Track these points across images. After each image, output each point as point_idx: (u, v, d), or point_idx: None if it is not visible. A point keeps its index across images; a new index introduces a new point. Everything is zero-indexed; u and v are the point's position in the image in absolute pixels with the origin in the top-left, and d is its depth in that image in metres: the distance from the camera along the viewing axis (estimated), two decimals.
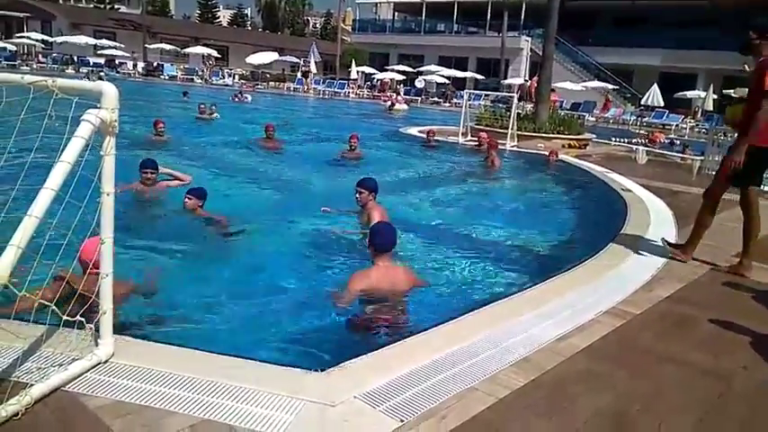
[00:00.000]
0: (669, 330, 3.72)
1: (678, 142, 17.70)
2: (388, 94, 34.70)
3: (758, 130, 4.62)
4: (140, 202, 6.45)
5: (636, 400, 2.81)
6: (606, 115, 30.52)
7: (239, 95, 25.31)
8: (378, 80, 40.85)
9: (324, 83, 38.90)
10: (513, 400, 2.71)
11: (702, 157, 12.41)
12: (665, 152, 16.05)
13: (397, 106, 27.68)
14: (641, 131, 19.31)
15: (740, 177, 4.94)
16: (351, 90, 37.93)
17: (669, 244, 5.47)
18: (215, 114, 15.97)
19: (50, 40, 40.31)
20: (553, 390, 2.85)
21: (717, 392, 2.97)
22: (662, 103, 28.78)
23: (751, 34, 4.71)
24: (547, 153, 12.35)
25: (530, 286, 4.39)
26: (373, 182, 6.02)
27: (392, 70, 40.64)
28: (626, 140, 17.90)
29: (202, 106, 15.85)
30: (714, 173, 10.41)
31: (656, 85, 29.70)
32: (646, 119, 28.18)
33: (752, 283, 4.72)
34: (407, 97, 34.22)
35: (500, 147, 13.81)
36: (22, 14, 44.58)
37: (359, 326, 3.76)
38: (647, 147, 16.83)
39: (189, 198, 5.91)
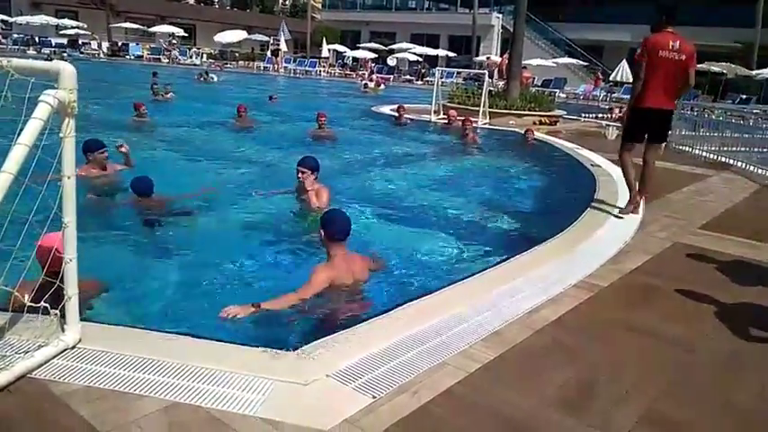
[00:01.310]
0: (636, 302, 3.80)
1: None
2: (367, 72, 34.35)
3: (635, 95, 5.67)
4: (97, 188, 6.08)
5: (603, 370, 2.87)
6: (577, 91, 30.73)
7: (204, 75, 24.84)
8: (350, 58, 40.48)
9: (295, 61, 38.42)
10: (484, 374, 2.75)
11: (669, 132, 12.59)
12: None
13: (372, 85, 27.44)
14: (611, 107, 19.52)
15: (631, 133, 6.01)
16: (322, 69, 37.54)
17: (621, 210, 5.95)
18: (170, 94, 15.64)
19: (10, 20, 38.88)
20: (523, 362, 2.90)
21: (682, 361, 3.05)
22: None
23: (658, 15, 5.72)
24: (522, 131, 12.40)
25: (501, 262, 4.44)
26: (315, 160, 5.80)
27: (364, 48, 40.30)
28: (594, 116, 18.05)
29: (156, 87, 15.50)
30: (681, 147, 10.65)
31: (625, 60, 29.96)
32: (615, 94, 28.45)
33: (715, 254, 4.84)
34: (383, 76, 33.85)
35: (473, 125, 13.91)
36: None
37: (327, 316, 3.65)
38: (613, 123, 17.01)
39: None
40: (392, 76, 35.71)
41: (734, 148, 10.17)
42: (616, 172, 8.25)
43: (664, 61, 5.49)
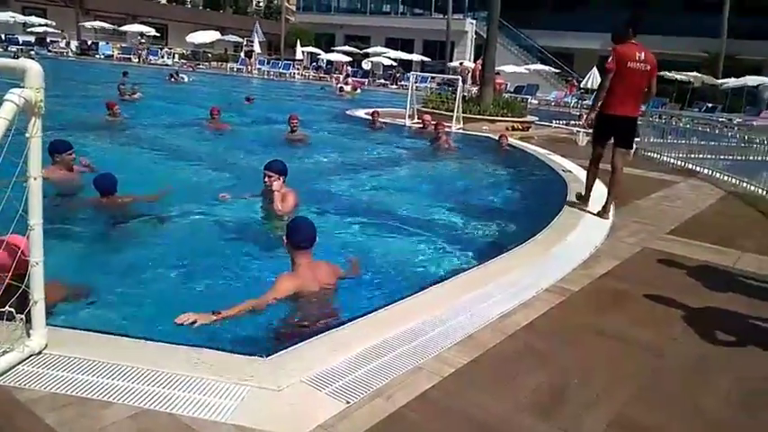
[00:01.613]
0: (606, 306, 3.86)
1: None
2: (343, 75, 34.26)
3: (602, 102, 5.99)
4: (63, 190, 5.89)
5: (574, 374, 2.90)
6: (549, 98, 31.14)
7: (175, 75, 24.52)
8: (324, 61, 40.37)
9: (268, 63, 38.18)
10: (458, 378, 2.76)
11: (638, 139, 12.84)
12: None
13: (348, 88, 27.33)
14: (581, 114, 19.81)
15: (598, 137, 6.40)
16: (296, 71, 37.37)
17: (577, 197, 6.60)
18: (137, 94, 15.43)
19: None
20: (496, 366, 2.91)
21: (652, 366, 3.10)
22: None
23: (624, 27, 6.16)
24: (496, 137, 12.50)
25: (473, 267, 4.47)
26: (282, 164, 5.74)
27: (339, 51, 40.26)
28: (566, 123, 18.28)
29: (122, 87, 15.25)
30: (649, 154, 10.89)
31: (595, 68, 30.45)
32: (586, 101, 28.87)
33: (683, 259, 4.94)
34: (358, 80, 33.80)
35: (446, 129, 13.97)
36: None
37: (300, 321, 3.57)
38: (584, 129, 17.25)
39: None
40: (367, 80, 35.74)
41: (700, 156, 10.42)
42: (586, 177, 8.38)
43: (631, 71, 5.85)
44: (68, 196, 5.85)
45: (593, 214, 6.17)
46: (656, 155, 11.38)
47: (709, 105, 26.43)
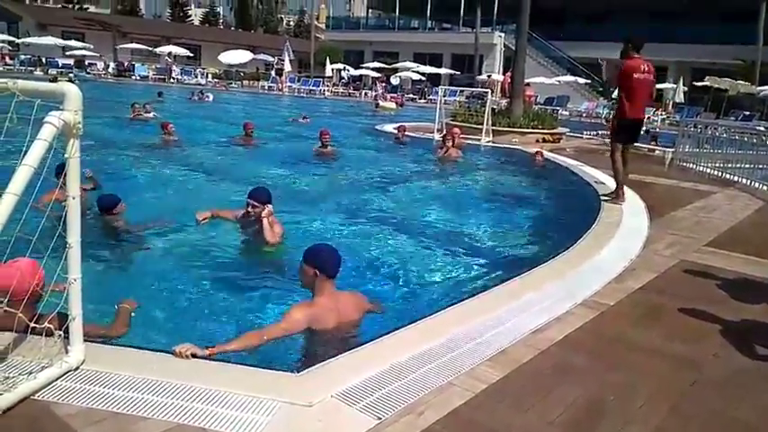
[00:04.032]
0: (642, 321, 3.77)
1: (647, 133, 17.81)
2: (380, 91, 34.39)
3: (624, 108, 7.15)
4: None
5: (610, 390, 2.84)
6: (580, 109, 30.83)
7: (200, 95, 24.94)
8: (350, 77, 40.71)
9: (298, 81, 38.69)
10: (491, 394, 2.72)
11: (673, 149, 12.60)
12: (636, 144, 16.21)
13: (384, 104, 27.13)
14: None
15: (619, 138, 7.48)
16: (326, 88, 37.78)
17: (605, 196, 7.48)
18: (151, 114, 15.37)
19: (17, 41, 39.39)
20: (529, 382, 2.87)
21: (689, 381, 3.01)
22: None
23: (625, 45, 7.17)
24: (529, 151, 12.37)
25: (505, 280, 4.41)
26: (267, 192, 5.36)
27: (367, 68, 40.61)
28: (597, 133, 18.05)
29: (137, 106, 15.13)
30: (685, 164, 10.76)
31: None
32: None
33: (719, 270, 4.81)
34: (395, 95, 33.68)
35: (475, 142, 13.93)
36: None
37: (331, 337, 3.43)
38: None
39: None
40: (396, 95, 35.92)
41: (737, 165, 10.16)
42: None
43: (638, 82, 6.98)
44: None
45: (611, 199, 7.27)
46: (691, 165, 11.14)
47: (746, 113, 25.82)
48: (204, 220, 5.74)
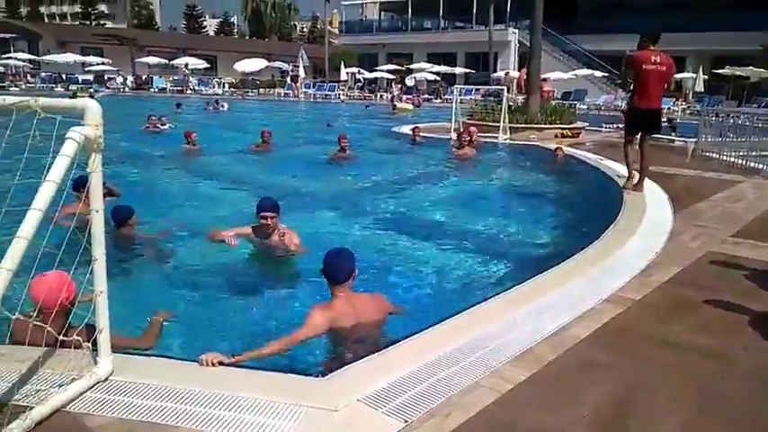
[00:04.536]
0: (668, 315, 3.71)
1: (665, 124, 17.48)
2: (396, 92, 34.41)
3: (634, 97, 7.40)
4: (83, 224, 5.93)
5: (639, 386, 2.80)
6: (598, 102, 30.49)
7: (215, 104, 25.16)
8: (364, 80, 40.78)
9: (314, 86, 38.89)
10: (517, 394, 2.70)
11: (695, 139, 12.40)
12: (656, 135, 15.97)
13: (401, 105, 27.07)
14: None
15: (629, 127, 7.84)
16: (341, 92, 37.91)
17: (623, 187, 7.59)
18: (166, 126, 15.55)
19: (38, 59, 40.20)
20: (556, 381, 2.84)
21: (719, 374, 2.96)
22: None
23: (640, 39, 7.42)
24: (547, 147, 12.27)
25: (529, 278, 4.37)
26: (275, 201, 5.32)
27: (382, 70, 40.64)
28: (616, 126, 17.80)
29: (153, 119, 15.23)
30: (708, 153, 10.58)
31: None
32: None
33: (746, 261, 4.72)
34: (411, 96, 33.67)
35: (492, 140, 13.87)
36: (8, 35, 44.49)
37: (355, 341, 3.44)
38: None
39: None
40: (413, 96, 35.90)
41: (763, 153, 9.96)
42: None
43: (647, 72, 7.14)
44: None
45: (632, 189, 7.39)
46: (714, 154, 10.94)
47: None
48: (219, 239, 5.45)
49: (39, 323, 2.59)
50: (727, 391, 2.82)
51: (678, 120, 19.16)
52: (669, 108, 26.35)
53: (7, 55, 39.58)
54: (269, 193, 8.20)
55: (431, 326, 3.41)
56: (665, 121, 18.49)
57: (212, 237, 5.47)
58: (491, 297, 3.95)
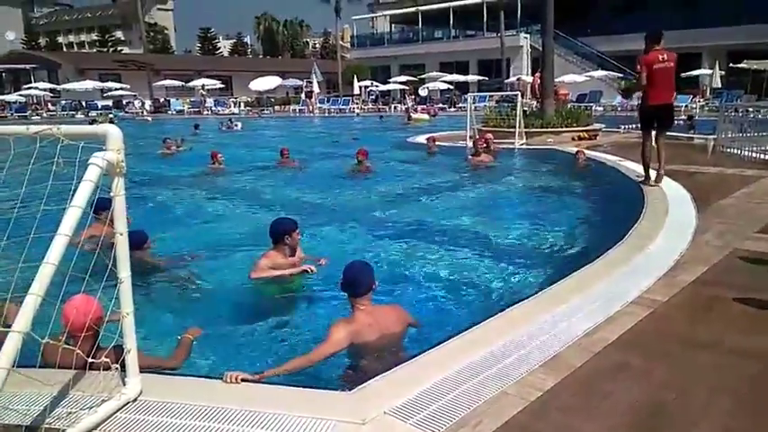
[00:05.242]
0: (698, 315, 3.65)
1: (683, 121, 17.26)
2: (410, 103, 34.53)
3: (645, 96, 7.83)
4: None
5: (671, 389, 2.75)
6: (614, 103, 30.26)
7: (229, 123, 25.48)
8: (376, 93, 40.99)
9: (328, 101, 39.17)
10: (546, 402, 2.67)
11: (715, 136, 12.23)
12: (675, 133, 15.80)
13: (417, 116, 27.16)
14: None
15: (645, 124, 8.11)
16: (355, 106, 38.11)
17: (642, 182, 7.98)
18: (182, 147, 15.63)
19: (58, 87, 41.09)
20: (585, 387, 2.80)
21: (753, 373, 2.90)
22: None
23: (645, 42, 7.79)
24: (567, 150, 12.17)
25: (553, 283, 4.33)
26: (293, 219, 5.26)
27: (395, 82, 40.82)
28: (634, 126, 17.63)
29: (169, 141, 15.35)
30: (728, 150, 10.44)
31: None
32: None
33: None
34: (425, 106, 33.74)
35: (509, 146, 13.82)
36: (28, 66, 45.60)
37: (379, 354, 3.43)
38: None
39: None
40: (425, 106, 35.96)
41: None
42: (664, 182, 8.05)
43: (658, 71, 7.56)
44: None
45: (652, 185, 7.71)
46: (735, 150, 10.78)
47: None
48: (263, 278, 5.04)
49: (68, 346, 2.63)
50: (763, 389, 2.76)
51: (697, 117, 18.92)
52: (687, 105, 26.06)
53: (28, 85, 40.52)
54: (291, 207, 8.31)
55: (455, 335, 3.39)
56: (683, 119, 18.39)
57: (257, 277, 5.00)
58: (516, 303, 3.92)
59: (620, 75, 34.81)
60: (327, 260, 5.22)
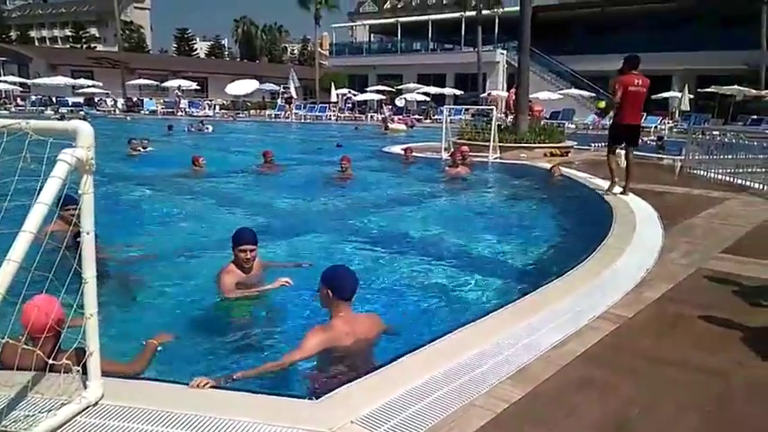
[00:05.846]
0: (662, 331, 3.72)
1: (654, 142, 17.66)
2: (387, 113, 34.67)
3: (619, 115, 8.61)
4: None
5: (635, 404, 2.79)
6: (586, 121, 30.80)
7: (200, 125, 25.30)
8: (353, 102, 41.05)
9: (304, 107, 39.07)
10: (513, 414, 2.68)
11: (682, 157, 12.53)
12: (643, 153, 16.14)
13: (394, 126, 27.30)
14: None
15: (614, 140, 8.94)
16: (332, 113, 38.07)
17: (606, 192, 8.74)
18: (148, 148, 15.57)
19: (28, 82, 40.18)
20: (551, 400, 2.82)
21: (715, 390, 2.96)
22: None
23: (623, 65, 8.51)
24: (540, 166, 12.31)
25: (521, 297, 4.37)
26: (254, 233, 4.83)
27: (372, 91, 40.95)
28: (604, 144, 17.96)
29: (135, 142, 15.28)
30: (695, 171, 10.75)
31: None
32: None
33: (739, 278, 4.74)
34: (403, 117, 33.91)
35: (483, 160, 13.94)
36: None
37: (347, 361, 3.38)
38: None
39: None
40: (401, 116, 36.09)
41: (749, 170, 10.08)
42: (631, 199, 8.23)
43: (632, 94, 8.30)
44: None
45: (619, 194, 8.46)
46: (702, 172, 11.07)
47: (755, 117, 25.70)
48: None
49: (28, 347, 2.55)
50: (726, 406, 2.82)
51: (666, 138, 19.37)
52: (656, 126, 26.68)
53: None
54: (269, 212, 8.23)
55: (425, 345, 3.38)
56: (654, 139, 18.85)
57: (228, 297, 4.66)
58: (487, 315, 3.94)
59: (593, 94, 35.47)
60: (291, 278, 4.71)
